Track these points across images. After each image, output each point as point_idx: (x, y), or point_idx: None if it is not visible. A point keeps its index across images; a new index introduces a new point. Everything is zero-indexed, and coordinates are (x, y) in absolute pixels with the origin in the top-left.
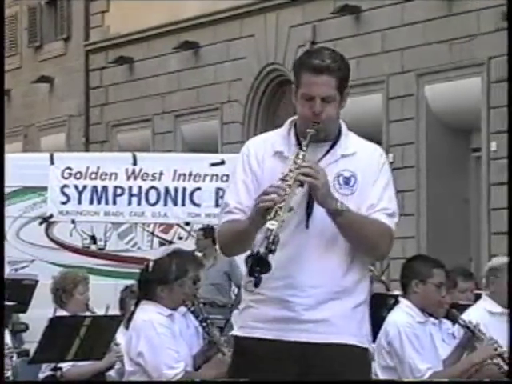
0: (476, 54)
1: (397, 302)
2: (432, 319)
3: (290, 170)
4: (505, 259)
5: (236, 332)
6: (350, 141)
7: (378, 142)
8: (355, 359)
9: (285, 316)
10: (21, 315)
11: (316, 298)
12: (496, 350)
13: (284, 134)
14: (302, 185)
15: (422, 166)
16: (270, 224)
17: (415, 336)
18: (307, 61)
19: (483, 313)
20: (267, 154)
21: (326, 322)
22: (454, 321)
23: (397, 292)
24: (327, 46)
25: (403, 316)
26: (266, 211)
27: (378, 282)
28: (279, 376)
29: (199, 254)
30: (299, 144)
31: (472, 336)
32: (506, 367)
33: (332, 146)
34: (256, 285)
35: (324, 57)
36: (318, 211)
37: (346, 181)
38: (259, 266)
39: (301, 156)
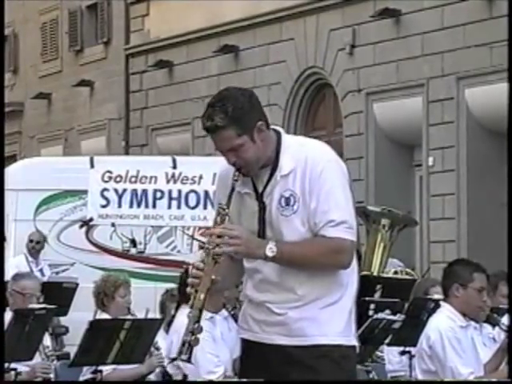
0: (506, 56)
1: (436, 306)
2: (473, 323)
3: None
4: None
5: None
6: (289, 157)
7: (418, 146)
8: (327, 356)
9: (260, 318)
10: (61, 318)
11: (296, 302)
12: None
13: (241, 181)
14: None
15: (462, 169)
16: (189, 312)
17: (457, 340)
18: (202, 123)
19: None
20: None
21: (292, 324)
22: (495, 325)
23: (436, 296)
24: (367, 49)
25: (445, 320)
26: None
27: (439, 287)
28: (267, 376)
29: None
30: (251, 178)
31: None
32: None
33: (272, 171)
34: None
35: (212, 116)
36: (270, 227)
37: (287, 201)
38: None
39: (219, 218)
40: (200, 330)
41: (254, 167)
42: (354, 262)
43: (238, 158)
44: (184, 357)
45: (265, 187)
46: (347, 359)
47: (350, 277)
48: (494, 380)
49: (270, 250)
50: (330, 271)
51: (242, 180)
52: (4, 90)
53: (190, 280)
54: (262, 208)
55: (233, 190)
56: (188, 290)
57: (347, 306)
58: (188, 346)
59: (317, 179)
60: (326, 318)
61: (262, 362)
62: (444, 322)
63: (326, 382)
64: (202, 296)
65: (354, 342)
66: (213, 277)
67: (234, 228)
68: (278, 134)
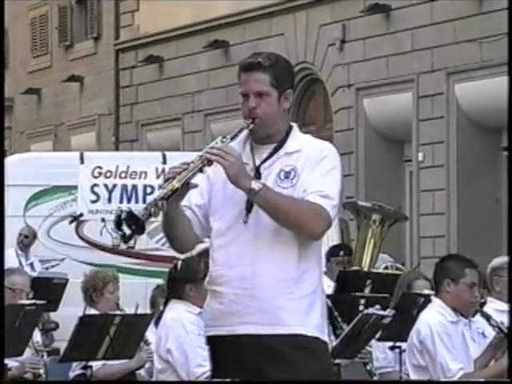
0: (506, 53)
1: (426, 301)
2: (463, 319)
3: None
4: (505, 258)
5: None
6: (298, 140)
7: (408, 141)
8: (304, 348)
9: (230, 310)
10: (51, 314)
11: (257, 290)
12: None
13: (241, 141)
14: (210, 164)
15: (452, 164)
16: (158, 191)
17: (447, 336)
18: (242, 62)
19: (492, 313)
20: None
21: (269, 313)
22: (487, 320)
23: (426, 291)
24: (357, 44)
25: (436, 315)
26: (165, 183)
27: (424, 280)
28: (241, 368)
29: None
30: (252, 151)
31: (504, 337)
32: None
33: (278, 147)
34: (125, 241)
35: (257, 56)
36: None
37: (287, 175)
38: (134, 224)
39: (219, 142)
40: (162, 207)
41: (265, 128)
42: (321, 256)
43: (259, 107)
44: (139, 211)
45: (264, 161)
46: (325, 352)
47: (321, 270)
48: (493, 380)
49: (256, 184)
50: (303, 234)
51: (242, 148)
52: (4, 90)
53: (173, 167)
54: (257, 177)
55: (240, 131)
56: (167, 174)
57: (323, 299)
58: (146, 208)
59: (319, 160)
60: (306, 309)
61: (234, 355)
62: (434, 317)
63: (318, 381)
64: (177, 185)
65: (327, 339)
66: (192, 180)
67: (233, 152)
68: (291, 125)
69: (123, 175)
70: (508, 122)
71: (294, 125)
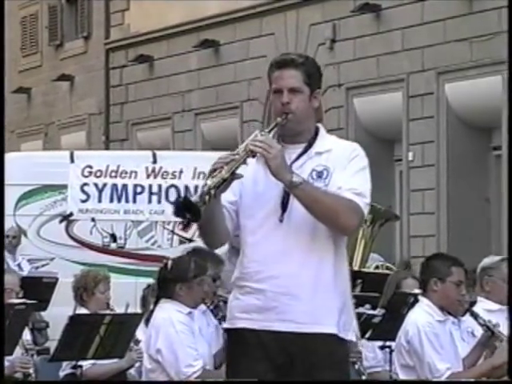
0: (497, 53)
1: (416, 301)
2: (451, 318)
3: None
4: (495, 258)
5: (225, 325)
6: (327, 140)
7: (398, 141)
8: (335, 349)
9: (267, 306)
10: (41, 313)
11: (296, 289)
12: None
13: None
14: (254, 155)
15: (442, 164)
16: (209, 180)
17: (435, 335)
18: (275, 59)
19: (482, 312)
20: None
21: (306, 312)
22: (475, 318)
23: (417, 290)
24: (347, 44)
25: (423, 315)
26: (214, 171)
27: (412, 279)
28: (267, 364)
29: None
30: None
31: (491, 335)
32: None
33: (307, 147)
34: (185, 227)
35: (290, 54)
36: (295, 206)
37: (319, 174)
38: (189, 211)
39: (259, 135)
40: (214, 196)
41: (296, 124)
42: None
43: (292, 102)
44: (196, 200)
45: (295, 160)
46: (346, 356)
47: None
48: (494, 380)
49: (297, 177)
50: (335, 228)
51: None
52: (4, 90)
53: (220, 158)
54: None
55: (276, 125)
56: (214, 164)
57: (350, 297)
58: (201, 196)
59: (351, 159)
60: (341, 308)
61: (263, 350)
62: (422, 317)
63: (327, 382)
64: (226, 175)
65: (351, 337)
66: (238, 171)
67: (275, 144)
68: (317, 125)
69: (113, 174)
70: (508, 122)
71: (320, 125)
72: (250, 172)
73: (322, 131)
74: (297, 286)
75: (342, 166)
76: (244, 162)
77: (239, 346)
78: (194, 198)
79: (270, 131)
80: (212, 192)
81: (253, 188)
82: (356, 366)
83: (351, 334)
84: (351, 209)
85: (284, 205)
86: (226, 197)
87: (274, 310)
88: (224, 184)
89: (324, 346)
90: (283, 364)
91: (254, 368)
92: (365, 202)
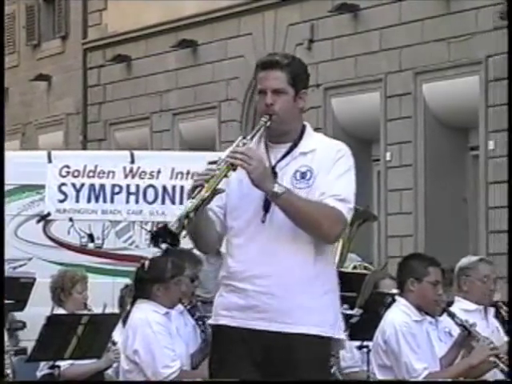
0: (474, 53)
1: (394, 301)
2: (429, 318)
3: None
4: (473, 258)
5: (209, 321)
6: (313, 140)
7: (376, 141)
8: (315, 349)
9: (248, 305)
10: (18, 313)
11: (277, 288)
12: (492, 350)
13: (256, 140)
14: (234, 169)
15: (419, 164)
16: (188, 202)
17: (412, 335)
18: (260, 60)
19: (459, 312)
20: None
21: (286, 311)
22: (452, 318)
23: (395, 290)
24: (325, 44)
25: (400, 315)
26: (194, 190)
27: (390, 279)
28: (250, 361)
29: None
30: (267, 150)
31: (468, 335)
32: (502, 365)
33: (293, 146)
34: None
35: (275, 55)
36: (277, 208)
37: (303, 175)
38: (169, 235)
39: (241, 144)
40: (193, 218)
41: (281, 125)
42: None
43: (276, 104)
44: (173, 226)
45: (279, 160)
46: (326, 352)
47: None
48: (493, 380)
49: (279, 187)
50: (319, 237)
51: (257, 147)
52: (4, 90)
53: (200, 174)
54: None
55: (258, 129)
56: (194, 182)
57: (338, 297)
58: (179, 220)
59: (336, 160)
60: (323, 308)
61: (243, 348)
62: (399, 317)
63: (310, 381)
64: (206, 194)
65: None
66: (219, 186)
67: (256, 155)
68: (304, 124)
69: (91, 174)
70: (508, 122)
71: (307, 124)
72: (235, 172)
73: (309, 130)
74: (277, 285)
75: (326, 169)
76: (225, 176)
77: (223, 343)
78: (172, 224)
79: (252, 137)
80: (191, 215)
81: (238, 188)
82: (332, 370)
83: (338, 332)
84: (334, 217)
85: (266, 206)
86: (215, 202)
87: (255, 309)
88: (204, 203)
89: (303, 346)
90: (262, 362)
91: (238, 364)
92: (348, 208)
